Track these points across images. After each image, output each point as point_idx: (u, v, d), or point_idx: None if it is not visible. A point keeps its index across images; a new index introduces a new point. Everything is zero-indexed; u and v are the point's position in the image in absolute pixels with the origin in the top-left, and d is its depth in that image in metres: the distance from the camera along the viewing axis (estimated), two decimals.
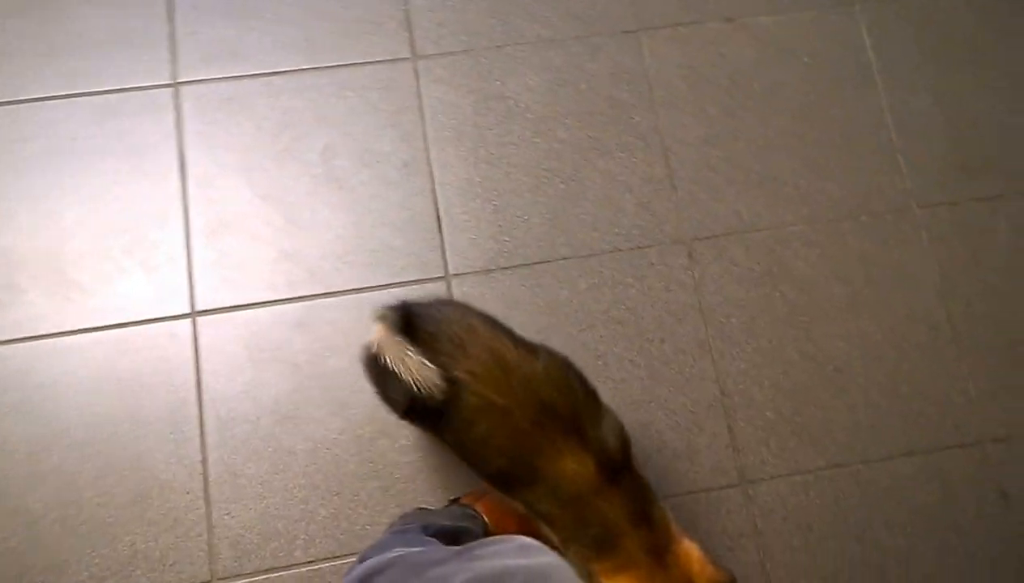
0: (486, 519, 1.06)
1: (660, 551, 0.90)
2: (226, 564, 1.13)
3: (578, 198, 1.36)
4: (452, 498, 1.12)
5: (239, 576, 1.13)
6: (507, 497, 0.96)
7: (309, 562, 1.14)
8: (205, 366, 1.21)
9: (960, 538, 1.23)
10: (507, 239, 1.32)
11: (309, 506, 1.17)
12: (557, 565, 0.69)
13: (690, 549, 0.91)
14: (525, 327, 1.26)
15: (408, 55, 1.40)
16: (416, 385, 0.88)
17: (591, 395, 0.95)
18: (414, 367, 0.88)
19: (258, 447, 1.19)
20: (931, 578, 1.21)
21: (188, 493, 1.16)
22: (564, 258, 1.32)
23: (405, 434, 1.20)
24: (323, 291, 1.26)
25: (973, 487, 1.25)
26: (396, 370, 0.89)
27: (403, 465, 1.19)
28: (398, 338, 0.89)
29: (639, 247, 1.33)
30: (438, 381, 0.87)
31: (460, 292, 1.28)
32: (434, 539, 0.87)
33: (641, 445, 1.22)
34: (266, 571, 1.13)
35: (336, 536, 1.15)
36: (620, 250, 1.33)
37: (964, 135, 1.44)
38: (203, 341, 1.22)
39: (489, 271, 1.30)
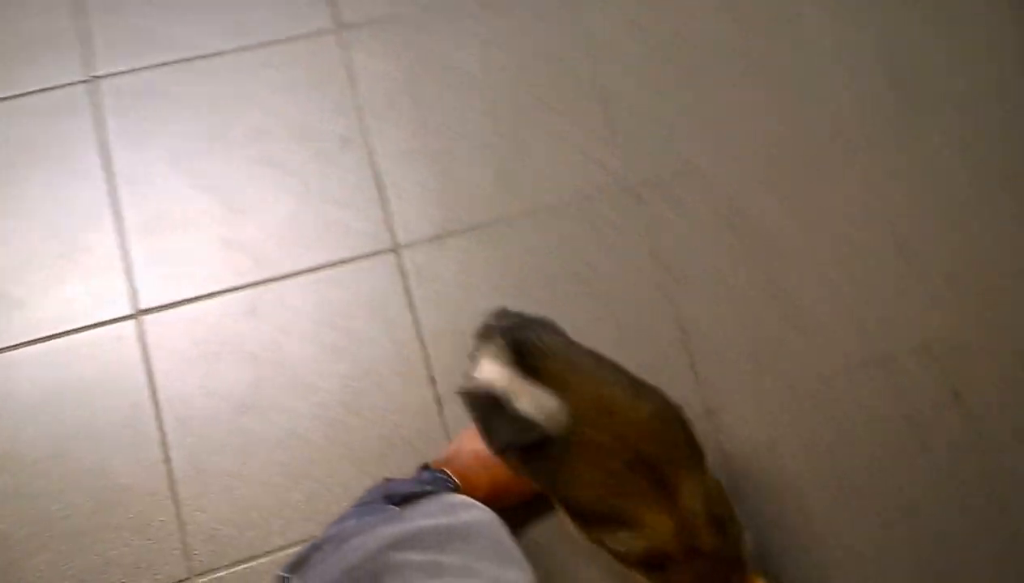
0: (457, 482, 1.06)
1: None
2: (203, 559, 1.12)
3: (524, 156, 1.34)
4: (422, 464, 1.11)
5: (217, 569, 1.12)
6: (582, 533, 0.96)
7: (288, 547, 1.12)
8: (156, 366, 1.18)
9: (918, 440, 1.27)
10: (455, 204, 1.30)
11: (282, 492, 1.15)
12: (482, 521, 0.70)
13: None
14: (486, 291, 1.27)
15: (332, 26, 1.36)
16: (541, 423, 0.86)
17: (695, 456, 0.92)
18: (542, 405, 0.86)
19: (222, 440, 1.16)
20: (892, 480, 1.25)
21: (154, 495, 1.13)
22: (515, 217, 1.30)
23: (372, 410, 1.19)
24: (270, 276, 1.23)
25: (927, 390, 1.29)
26: (518, 408, 0.87)
27: (373, 440, 1.18)
28: (520, 377, 0.87)
29: (589, 198, 1.33)
30: (562, 417, 0.86)
31: (413, 263, 1.26)
32: (395, 508, 0.86)
33: None
34: (245, 561, 1.12)
35: (313, 518, 1.14)
36: (570, 204, 1.32)
37: (906, 64, 1.45)
38: (151, 341, 1.19)
39: (440, 238, 1.28)
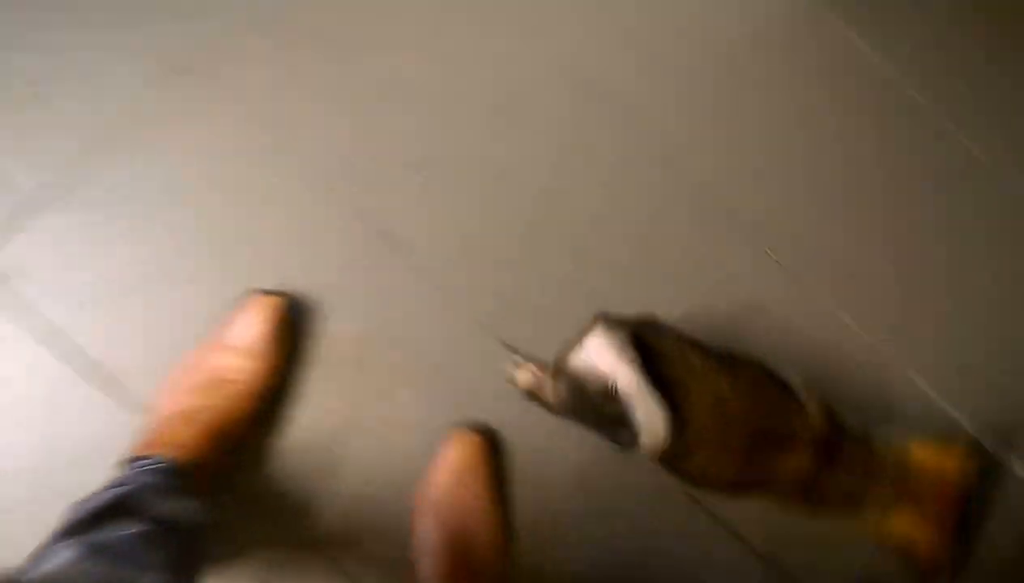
0: (171, 457, 0.95)
1: (904, 481, 0.96)
2: None
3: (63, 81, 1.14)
4: (124, 459, 0.99)
5: None
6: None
7: None
8: None
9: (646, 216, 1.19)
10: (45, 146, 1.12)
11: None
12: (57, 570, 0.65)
13: (922, 455, 0.97)
14: (104, 251, 1.10)
15: None
16: (642, 439, 0.87)
17: (791, 390, 0.96)
18: (655, 422, 0.86)
19: None
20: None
21: None
22: (91, 165, 1.11)
23: (44, 438, 1.05)
24: None
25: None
26: (640, 423, 0.87)
27: (65, 463, 1.03)
28: (644, 384, 0.86)
29: (147, 99, 1.14)
30: (667, 437, 0.87)
31: (45, 228, 1.07)
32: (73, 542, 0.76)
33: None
34: None
35: None
36: (137, 114, 1.14)
37: None
38: None
39: (12, 226, 1.09)
